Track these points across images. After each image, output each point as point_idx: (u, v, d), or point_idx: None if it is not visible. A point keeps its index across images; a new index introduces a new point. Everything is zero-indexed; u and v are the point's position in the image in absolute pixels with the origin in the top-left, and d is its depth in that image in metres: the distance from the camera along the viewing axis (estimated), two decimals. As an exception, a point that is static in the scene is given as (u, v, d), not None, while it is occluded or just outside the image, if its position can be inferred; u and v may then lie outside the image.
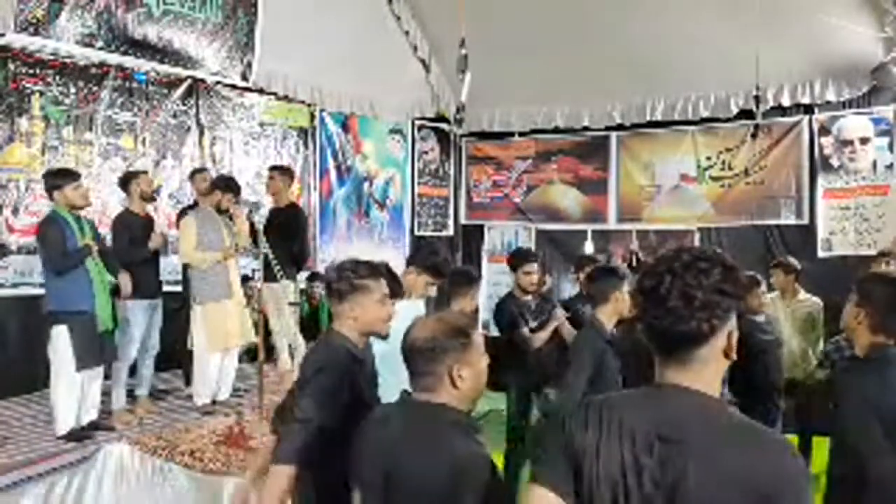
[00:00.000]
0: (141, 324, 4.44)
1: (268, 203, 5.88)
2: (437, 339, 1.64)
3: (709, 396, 1.23)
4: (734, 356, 1.25)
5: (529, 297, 4.40)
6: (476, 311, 3.65)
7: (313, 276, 6.55)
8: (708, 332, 1.21)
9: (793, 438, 2.36)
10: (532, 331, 4.25)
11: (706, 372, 1.24)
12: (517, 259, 4.52)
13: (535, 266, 4.39)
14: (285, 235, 5.10)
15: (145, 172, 4.88)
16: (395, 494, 1.61)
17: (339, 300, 2.23)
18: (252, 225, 4.65)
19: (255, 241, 4.58)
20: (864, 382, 2.09)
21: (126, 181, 4.61)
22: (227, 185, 4.75)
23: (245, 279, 5.24)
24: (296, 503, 2.28)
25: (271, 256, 4.63)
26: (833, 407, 2.27)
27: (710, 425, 1.18)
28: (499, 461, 4.30)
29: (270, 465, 2.10)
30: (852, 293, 2.22)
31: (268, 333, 5.26)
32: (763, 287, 4.31)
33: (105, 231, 4.65)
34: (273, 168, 5.68)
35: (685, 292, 1.19)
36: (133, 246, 4.44)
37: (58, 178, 4.05)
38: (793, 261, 5.17)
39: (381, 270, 2.33)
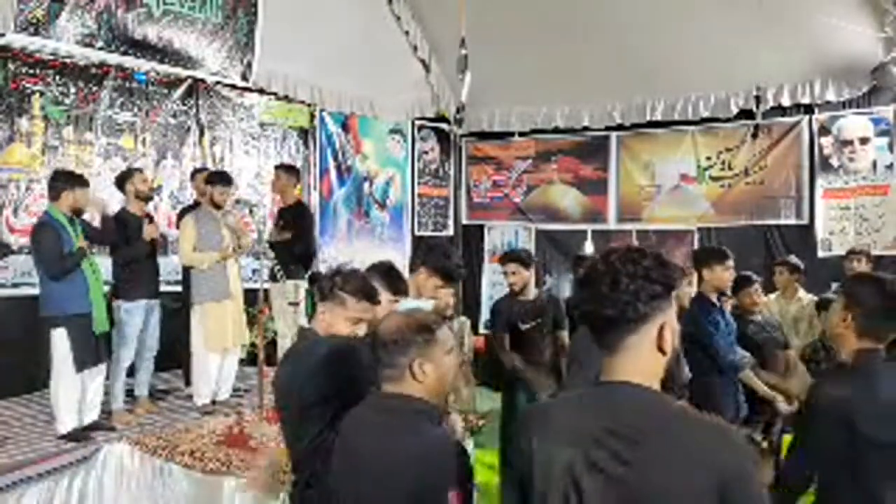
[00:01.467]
0: (136, 324, 4.43)
1: (269, 204, 5.88)
2: (402, 333, 1.69)
3: (651, 389, 1.25)
4: (668, 350, 1.26)
5: (529, 297, 4.36)
6: (452, 307, 3.66)
7: (313, 278, 6.51)
8: (633, 316, 1.24)
9: (788, 439, 2.32)
10: (521, 332, 4.24)
11: (642, 364, 1.26)
12: (500, 259, 4.54)
13: (514, 266, 4.28)
14: (291, 233, 5.14)
15: (139, 170, 4.83)
16: (371, 488, 1.64)
17: (318, 296, 2.30)
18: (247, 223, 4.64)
19: (258, 241, 4.58)
20: (846, 393, 1.91)
21: (121, 181, 4.60)
22: (220, 177, 4.74)
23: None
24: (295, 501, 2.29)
25: (271, 256, 4.63)
26: (803, 412, 2.13)
27: (663, 418, 1.21)
28: (494, 460, 4.34)
29: None
30: (839, 295, 2.10)
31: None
32: (757, 286, 4.32)
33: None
34: (278, 167, 5.71)
35: (614, 278, 1.24)
36: (131, 245, 4.43)
37: (71, 181, 4.04)
38: (796, 260, 5.19)
39: (374, 297, 2.30)
